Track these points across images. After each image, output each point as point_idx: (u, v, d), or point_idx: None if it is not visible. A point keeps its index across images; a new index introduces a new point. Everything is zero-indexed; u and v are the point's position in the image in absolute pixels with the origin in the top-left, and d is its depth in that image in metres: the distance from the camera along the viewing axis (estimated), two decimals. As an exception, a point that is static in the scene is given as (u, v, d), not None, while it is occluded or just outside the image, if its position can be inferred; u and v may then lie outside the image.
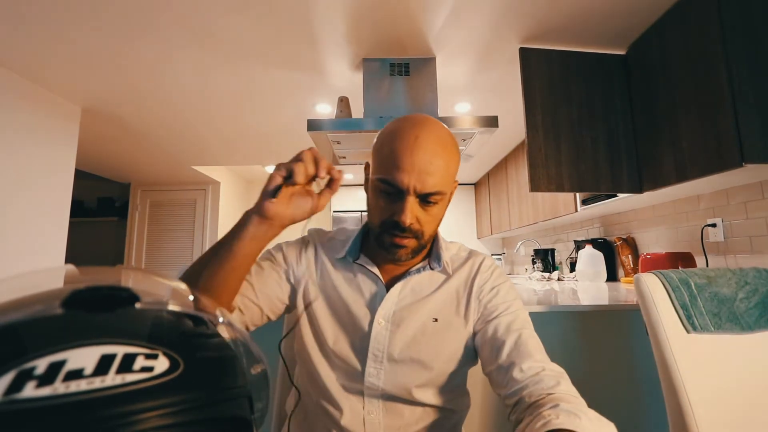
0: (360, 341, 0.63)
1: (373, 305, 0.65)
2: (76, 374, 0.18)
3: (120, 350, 0.20)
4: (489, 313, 0.63)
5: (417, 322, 0.63)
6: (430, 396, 0.63)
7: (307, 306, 0.67)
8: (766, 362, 0.83)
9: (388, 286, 0.66)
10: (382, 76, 1.80)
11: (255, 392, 0.26)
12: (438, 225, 0.63)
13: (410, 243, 0.60)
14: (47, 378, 0.18)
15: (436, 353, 0.62)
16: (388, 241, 0.60)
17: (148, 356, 0.20)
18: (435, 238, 0.68)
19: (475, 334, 0.64)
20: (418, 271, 0.66)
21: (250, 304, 0.63)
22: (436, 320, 0.64)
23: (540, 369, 0.54)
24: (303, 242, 0.72)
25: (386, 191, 0.59)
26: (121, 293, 0.23)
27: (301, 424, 0.68)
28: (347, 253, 0.68)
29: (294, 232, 0.66)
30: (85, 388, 0.18)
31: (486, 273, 0.68)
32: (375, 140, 0.63)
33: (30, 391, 0.17)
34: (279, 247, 0.71)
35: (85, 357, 0.19)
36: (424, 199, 0.58)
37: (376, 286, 0.66)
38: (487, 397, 1.22)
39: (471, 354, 0.65)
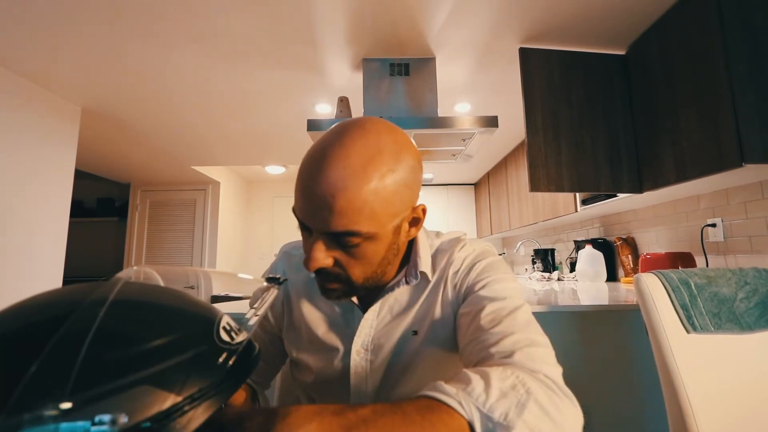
0: (340, 375, 0.58)
1: (349, 333, 0.58)
2: (237, 330, 0.34)
3: (233, 322, 0.35)
4: (464, 295, 0.56)
5: (397, 343, 0.57)
6: None
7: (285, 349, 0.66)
8: (766, 362, 0.83)
9: (366, 304, 0.59)
10: (382, 76, 1.80)
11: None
12: (378, 266, 0.51)
13: (339, 287, 0.51)
14: (234, 331, 0.34)
15: (421, 369, 0.57)
16: (317, 281, 0.52)
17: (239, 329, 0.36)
18: (413, 244, 0.60)
19: (454, 320, 0.57)
20: (392, 289, 0.58)
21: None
22: (415, 333, 0.57)
23: (495, 341, 0.45)
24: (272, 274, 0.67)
25: (300, 226, 0.49)
26: None
27: None
28: None
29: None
30: (242, 339, 0.34)
31: (460, 258, 0.59)
32: None
33: (238, 338, 0.34)
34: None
35: (228, 321, 0.35)
36: (338, 240, 0.46)
37: (351, 311, 0.59)
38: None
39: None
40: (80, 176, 3.21)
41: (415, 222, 0.53)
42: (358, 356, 0.57)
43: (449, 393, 0.36)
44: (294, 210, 0.48)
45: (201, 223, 4.15)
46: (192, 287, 0.46)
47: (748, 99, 1.17)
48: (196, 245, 4.11)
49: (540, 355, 0.43)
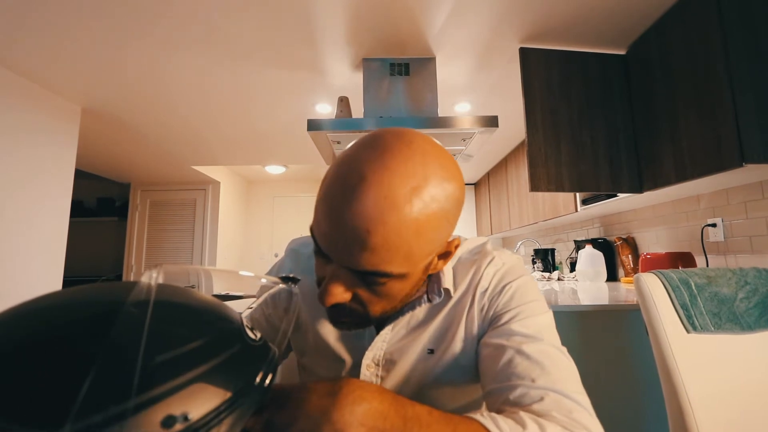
0: None
1: (359, 345, 0.54)
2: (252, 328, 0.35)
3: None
4: (492, 322, 0.51)
5: (410, 361, 0.53)
6: None
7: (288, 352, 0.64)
8: (766, 362, 0.83)
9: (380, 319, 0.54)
10: (382, 76, 1.80)
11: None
12: (400, 301, 0.47)
13: (352, 320, 0.46)
14: (253, 328, 0.35)
15: (435, 392, 0.53)
16: (328, 311, 0.47)
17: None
18: None
19: (476, 348, 0.52)
20: (413, 307, 0.53)
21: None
22: (431, 351, 0.53)
23: (537, 398, 0.41)
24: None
25: (317, 250, 0.43)
26: None
27: None
28: None
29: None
30: (261, 335, 0.35)
31: (489, 275, 0.54)
32: None
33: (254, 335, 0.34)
34: (267, 305, 0.61)
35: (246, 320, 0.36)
36: (363, 278, 0.41)
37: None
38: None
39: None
40: (80, 176, 3.21)
41: (445, 256, 0.47)
42: (368, 371, 0.53)
43: (503, 429, 0.36)
44: (313, 233, 0.41)
45: (201, 222, 4.15)
46: (193, 286, 0.46)
47: (747, 99, 1.17)
48: (196, 245, 4.11)
49: (586, 423, 0.40)
